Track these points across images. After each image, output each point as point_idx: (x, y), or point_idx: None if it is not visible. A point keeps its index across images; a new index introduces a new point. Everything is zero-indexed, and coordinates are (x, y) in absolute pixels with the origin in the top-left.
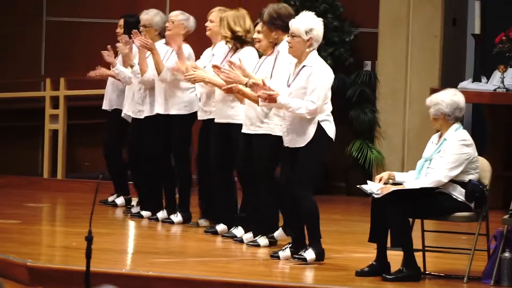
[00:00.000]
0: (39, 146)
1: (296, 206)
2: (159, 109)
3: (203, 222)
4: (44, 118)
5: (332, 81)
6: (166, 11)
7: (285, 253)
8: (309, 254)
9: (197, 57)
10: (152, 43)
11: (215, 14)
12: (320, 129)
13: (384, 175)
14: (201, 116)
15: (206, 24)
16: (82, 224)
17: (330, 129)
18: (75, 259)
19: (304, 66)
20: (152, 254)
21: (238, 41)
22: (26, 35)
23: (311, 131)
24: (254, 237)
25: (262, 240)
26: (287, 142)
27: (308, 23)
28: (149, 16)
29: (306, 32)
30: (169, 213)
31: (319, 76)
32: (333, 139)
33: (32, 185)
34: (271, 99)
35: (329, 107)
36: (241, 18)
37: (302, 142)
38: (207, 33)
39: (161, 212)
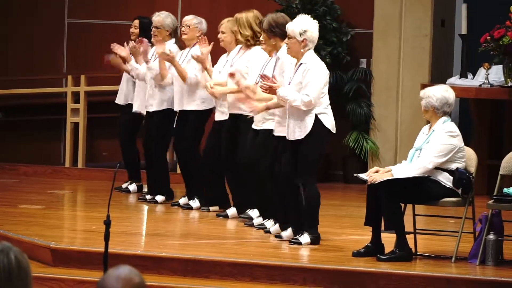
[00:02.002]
0: (62, 138)
1: (296, 195)
2: (177, 106)
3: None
4: (66, 112)
5: (327, 76)
6: (178, 14)
7: (288, 232)
8: (305, 239)
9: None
10: (173, 56)
11: (225, 25)
12: (318, 122)
13: (381, 170)
14: (217, 117)
15: (219, 36)
16: (100, 209)
17: (328, 122)
18: (95, 241)
19: (301, 64)
20: (165, 237)
21: (254, 41)
22: (49, 36)
23: (309, 123)
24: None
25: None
26: (288, 135)
27: (302, 25)
28: (161, 18)
29: (301, 34)
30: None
31: (313, 71)
32: (333, 131)
33: (55, 174)
34: (271, 90)
35: (326, 101)
36: (258, 19)
37: (301, 135)
38: (221, 44)
39: (183, 198)
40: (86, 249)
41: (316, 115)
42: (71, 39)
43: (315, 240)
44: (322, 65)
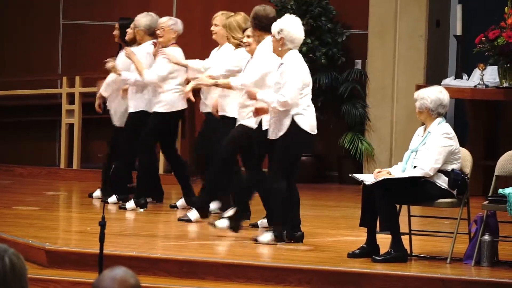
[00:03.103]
0: (56, 139)
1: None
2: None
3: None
4: (61, 113)
5: (306, 77)
6: (173, 14)
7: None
8: (265, 237)
9: (205, 57)
10: (130, 51)
11: (219, 18)
12: (293, 122)
13: (383, 171)
14: (202, 109)
15: (212, 28)
16: (95, 211)
17: (304, 122)
18: (90, 242)
19: (281, 64)
20: (160, 238)
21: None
22: (44, 37)
23: (286, 124)
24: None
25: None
26: (270, 134)
27: (280, 24)
28: (138, 17)
29: (278, 32)
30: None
31: (290, 71)
32: (311, 132)
33: (50, 175)
34: (251, 95)
35: (305, 101)
36: (247, 19)
37: (278, 134)
38: (213, 36)
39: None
40: (81, 250)
41: (292, 116)
42: (66, 40)
43: (279, 238)
44: (301, 65)
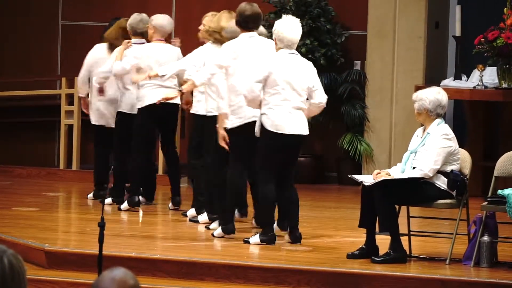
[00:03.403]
0: (56, 140)
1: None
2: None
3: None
4: (60, 114)
5: (271, 72)
6: (172, 14)
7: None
8: (254, 239)
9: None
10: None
11: (209, 18)
12: (261, 123)
13: (382, 172)
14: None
15: (200, 27)
16: (94, 211)
17: (267, 122)
18: (89, 243)
19: None
20: (159, 239)
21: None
22: (43, 38)
23: (258, 123)
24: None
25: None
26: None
27: (275, 25)
28: (130, 19)
29: (273, 33)
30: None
31: (259, 66)
32: (275, 131)
33: (49, 176)
34: None
35: (273, 100)
36: (232, 15)
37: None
38: (199, 34)
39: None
40: (80, 251)
41: (261, 115)
42: (65, 41)
43: (269, 240)
44: (271, 60)
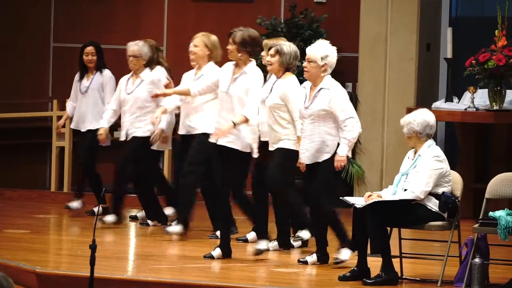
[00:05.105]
0: (47, 162)
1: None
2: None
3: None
4: (52, 136)
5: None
6: (164, 37)
7: (313, 258)
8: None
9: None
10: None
11: (199, 39)
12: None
13: (373, 195)
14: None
15: (191, 49)
16: (86, 234)
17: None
18: (80, 265)
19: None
20: (151, 261)
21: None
22: (35, 60)
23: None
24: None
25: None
26: None
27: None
28: (138, 46)
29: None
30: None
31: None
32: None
33: (41, 198)
34: None
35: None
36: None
37: None
38: (192, 56)
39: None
40: (72, 273)
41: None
42: (57, 63)
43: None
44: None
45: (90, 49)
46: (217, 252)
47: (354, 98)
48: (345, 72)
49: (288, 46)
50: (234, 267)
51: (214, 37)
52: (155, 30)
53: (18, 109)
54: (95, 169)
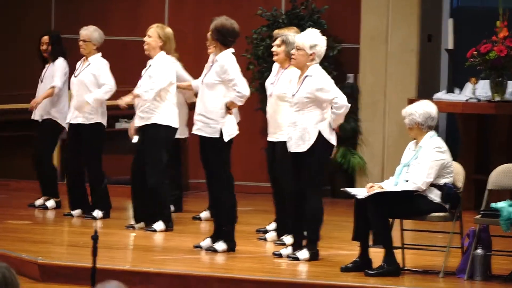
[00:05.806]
0: None
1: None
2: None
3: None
4: None
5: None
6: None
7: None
8: (303, 254)
9: (198, 69)
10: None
11: (153, 30)
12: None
13: (375, 186)
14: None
15: (144, 38)
16: (88, 224)
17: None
18: (82, 256)
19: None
20: (152, 252)
21: None
22: (33, 51)
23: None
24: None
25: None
26: None
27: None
28: (88, 31)
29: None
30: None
31: None
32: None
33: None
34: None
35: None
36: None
37: None
38: (145, 46)
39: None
40: (73, 264)
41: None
42: None
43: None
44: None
45: (45, 38)
46: (221, 246)
47: (355, 90)
48: (346, 64)
49: (293, 36)
50: (234, 258)
51: (168, 29)
52: (155, 20)
53: (22, 100)
54: (51, 160)
